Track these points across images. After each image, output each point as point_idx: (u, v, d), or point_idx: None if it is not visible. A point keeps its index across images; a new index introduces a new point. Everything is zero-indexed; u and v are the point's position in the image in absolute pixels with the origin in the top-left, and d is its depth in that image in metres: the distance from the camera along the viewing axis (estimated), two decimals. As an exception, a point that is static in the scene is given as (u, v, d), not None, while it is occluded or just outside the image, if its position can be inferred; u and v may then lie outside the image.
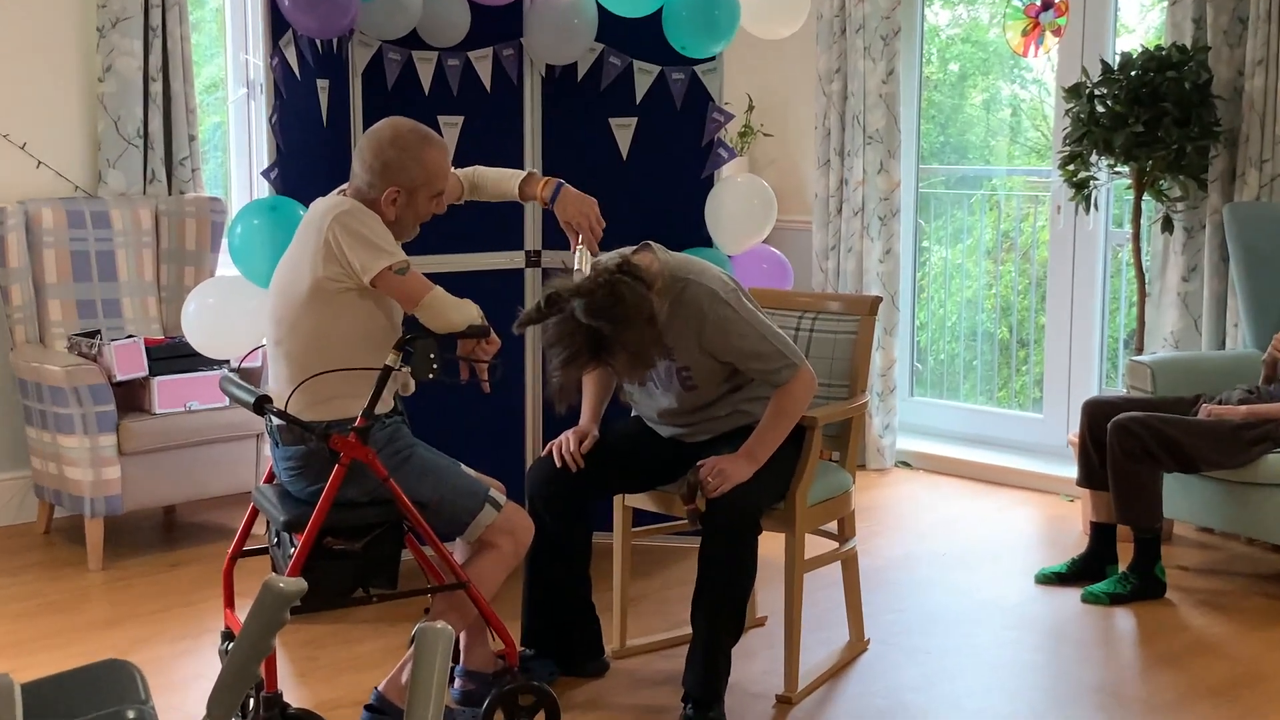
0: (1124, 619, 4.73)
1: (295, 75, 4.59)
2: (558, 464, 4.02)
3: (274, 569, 3.85)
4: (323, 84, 4.74)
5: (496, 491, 3.74)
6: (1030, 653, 4.46)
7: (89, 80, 5.80)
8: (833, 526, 4.29)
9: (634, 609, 4.55)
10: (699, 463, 3.80)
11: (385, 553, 3.62)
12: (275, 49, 4.52)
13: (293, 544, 3.55)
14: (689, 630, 3.89)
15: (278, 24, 4.52)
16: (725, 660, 3.84)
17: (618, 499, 4.28)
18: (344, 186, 3.75)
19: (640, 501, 4.22)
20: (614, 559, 4.33)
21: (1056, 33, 6.22)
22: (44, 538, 5.53)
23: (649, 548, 5.20)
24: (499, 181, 4.10)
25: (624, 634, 4.35)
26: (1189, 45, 5.55)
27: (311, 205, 3.74)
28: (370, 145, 3.66)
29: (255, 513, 3.86)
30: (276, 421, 3.59)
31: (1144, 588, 4.86)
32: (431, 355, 3.50)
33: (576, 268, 3.78)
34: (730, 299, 3.83)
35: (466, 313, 3.62)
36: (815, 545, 4.18)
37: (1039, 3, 6.24)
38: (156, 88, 5.80)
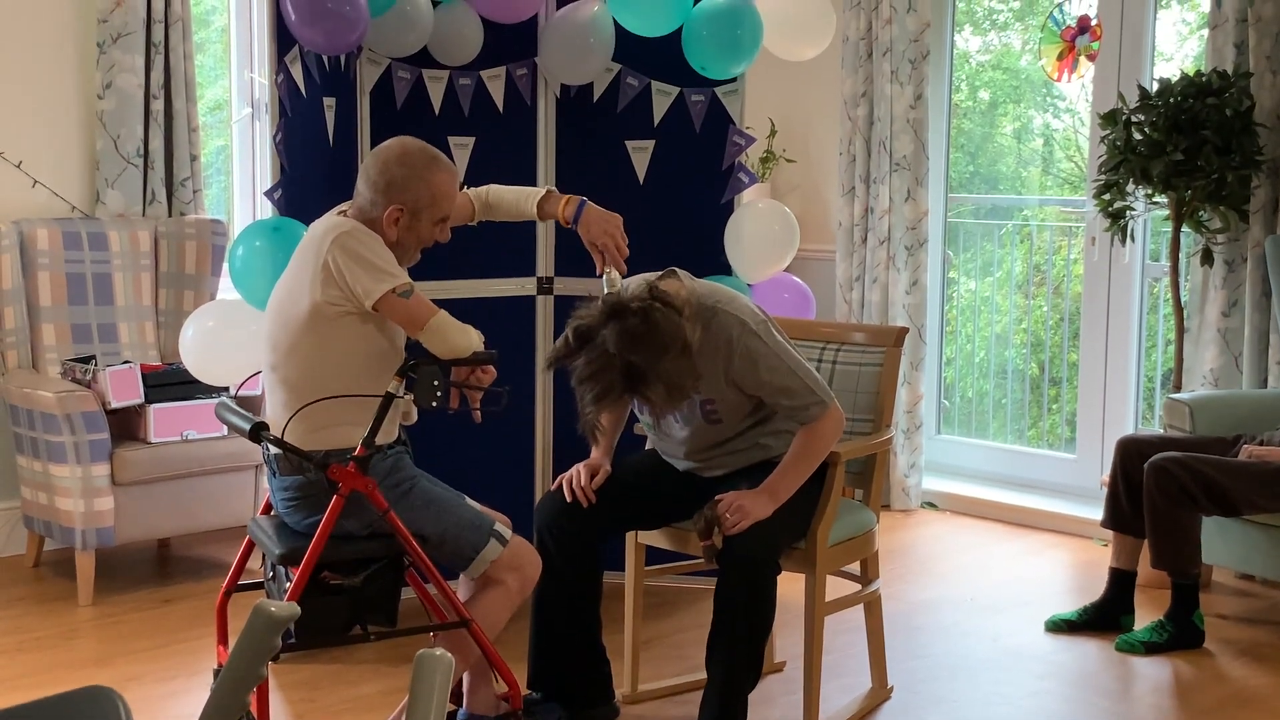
0: (1158, 669, 4.59)
1: (301, 93, 4.52)
2: (568, 498, 3.92)
3: None
4: (329, 102, 4.65)
5: (502, 525, 3.65)
6: (1060, 703, 4.33)
7: (88, 97, 5.71)
8: (855, 568, 4.19)
9: (646, 652, 4.44)
10: (717, 497, 3.70)
11: (385, 588, 3.54)
12: (281, 66, 4.44)
13: (288, 578, 3.46)
14: (703, 675, 3.79)
15: (284, 40, 4.45)
16: (742, 707, 3.74)
17: (630, 536, 4.19)
18: (344, 206, 3.67)
19: (654, 539, 4.11)
20: (626, 599, 4.23)
21: (1091, 57, 6.11)
22: (33, 571, 5.43)
23: (663, 588, 5.10)
24: (516, 201, 3.96)
25: (635, 678, 4.25)
26: (1230, 71, 5.43)
27: (311, 226, 3.65)
28: (376, 162, 3.59)
29: (251, 545, 3.78)
30: (273, 450, 3.50)
31: (1181, 637, 4.70)
32: (435, 382, 3.42)
33: (606, 293, 3.63)
34: (760, 330, 3.72)
35: (471, 338, 3.53)
36: (837, 587, 4.09)
37: (1075, 26, 6.13)
38: (158, 105, 5.72)
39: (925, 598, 5.28)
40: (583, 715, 4.03)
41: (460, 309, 4.95)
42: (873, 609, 4.22)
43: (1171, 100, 5.34)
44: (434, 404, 3.42)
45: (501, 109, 5.05)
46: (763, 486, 3.72)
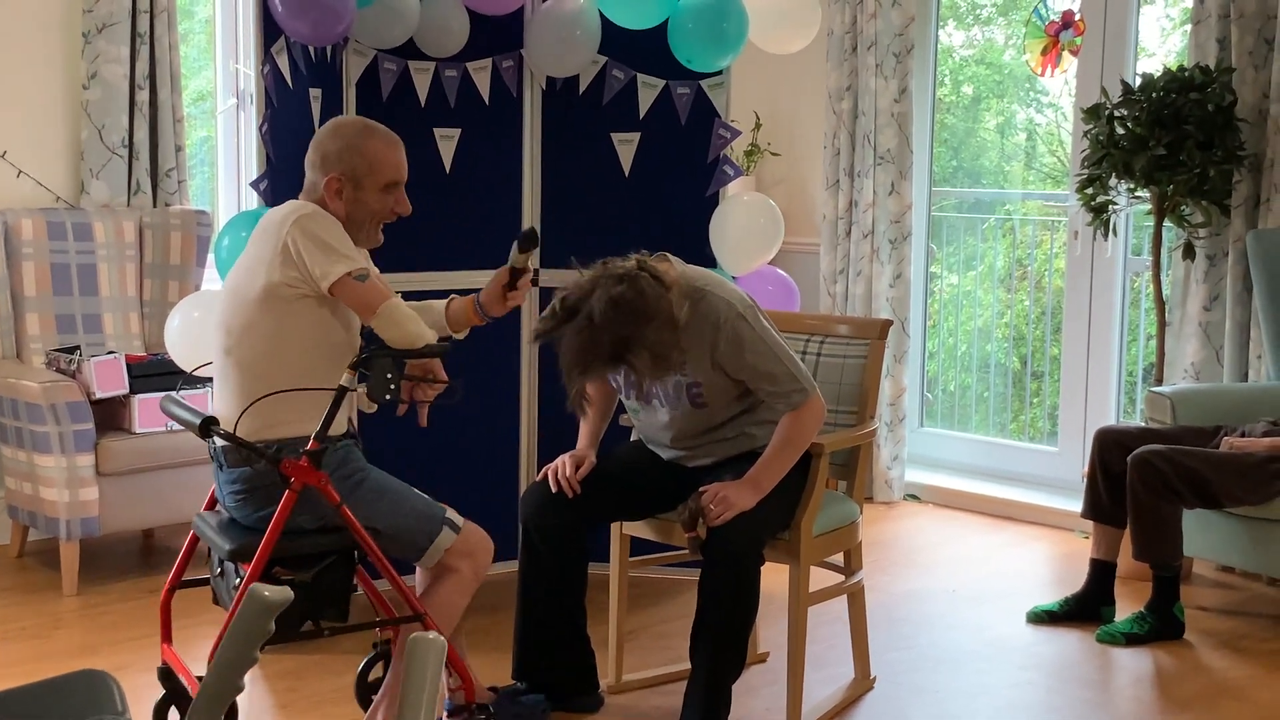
0: (1140, 660, 4.60)
1: (287, 84, 4.50)
2: (553, 489, 3.92)
3: (215, 601, 3.69)
4: (315, 93, 4.64)
5: (453, 513, 3.61)
6: (1043, 694, 4.34)
7: (73, 87, 5.69)
8: (839, 559, 4.20)
9: (631, 642, 4.44)
10: (701, 489, 3.71)
11: (337, 584, 3.49)
12: (267, 56, 4.43)
13: (238, 574, 3.41)
14: (687, 665, 3.80)
15: (270, 30, 4.44)
16: (725, 697, 3.75)
17: (615, 527, 4.19)
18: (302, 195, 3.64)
19: (639, 530, 4.11)
20: (610, 589, 4.23)
21: (1074, 52, 6.13)
22: (17, 561, 5.40)
23: (647, 579, 5.10)
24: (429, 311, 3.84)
25: (620, 668, 4.24)
26: (1213, 66, 5.44)
27: (269, 210, 3.62)
28: (312, 142, 3.60)
29: (195, 541, 3.72)
30: (220, 443, 3.43)
31: (1162, 628, 4.72)
32: (389, 375, 3.34)
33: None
34: (747, 314, 3.75)
35: (424, 327, 3.48)
36: (820, 578, 4.07)
37: (1059, 20, 6.14)
38: (143, 96, 5.70)
39: (908, 589, 5.29)
40: (568, 705, 4.04)
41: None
42: (856, 600, 4.22)
43: (1154, 95, 5.34)
44: (387, 397, 3.34)
45: (487, 101, 5.03)
46: (746, 478, 3.72)
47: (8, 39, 5.55)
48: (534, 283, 5.15)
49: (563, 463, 3.94)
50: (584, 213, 5.14)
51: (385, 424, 4.93)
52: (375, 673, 3.85)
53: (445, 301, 3.84)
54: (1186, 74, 5.37)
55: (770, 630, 4.51)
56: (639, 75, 5.06)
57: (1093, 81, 6.03)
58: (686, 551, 3.79)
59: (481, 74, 5.01)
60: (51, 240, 5.41)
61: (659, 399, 3.88)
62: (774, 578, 3.95)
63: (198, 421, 3.32)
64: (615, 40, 4.97)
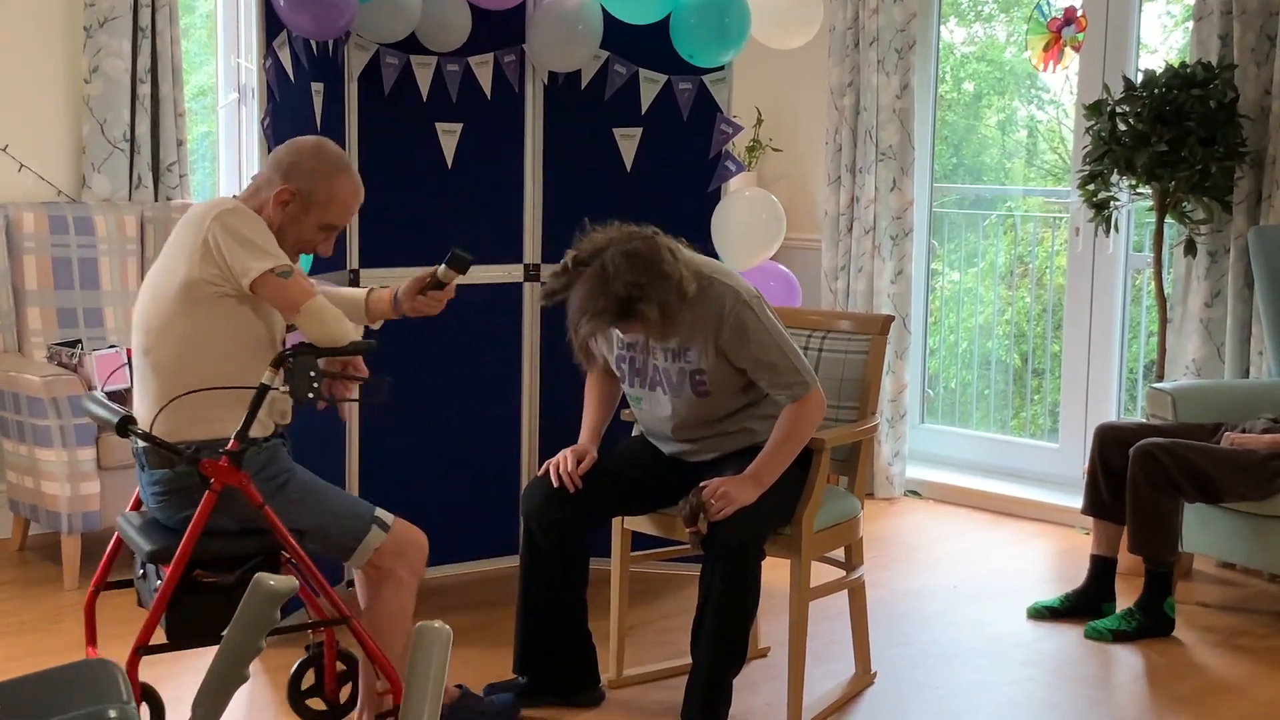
0: (1140, 657, 4.60)
1: (289, 78, 4.50)
2: (554, 484, 3.91)
3: (140, 603, 3.61)
4: (317, 87, 4.63)
5: (383, 512, 3.53)
6: (1043, 690, 4.35)
7: (74, 81, 5.68)
8: (840, 554, 4.20)
9: (631, 637, 4.43)
10: (702, 484, 3.71)
11: None
12: (269, 50, 4.42)
13: (159, 576, 3.34)
14: (688, 660, 3.81)
15: (272, 24, 4.42)
16: (726, 692, 3.76)
17: (616, 522, 4.18)
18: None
19: (640, 524, 4.11)
20: (611, 584, 4.23)
21: (1076, 48, 6.12)
22: (18, 555, 5.40)
23: (648, 574, 5.09)
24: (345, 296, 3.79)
25: (621, 663, 4.24)
26: (1215, 63, 5.43)
27: (191, 207, 3.54)
28: (290, 147, 3.52)
29: (120, 543, 3.62)
30: (141, 444, 3.38)
31: (1151, 625, 4.72)
32: (312, 373, 3.27)
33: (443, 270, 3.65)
34: (753, 304, 3.77)
35: (347, 325, 3.41)
36: (821, 574, 4.08)
37: (1060, 17, 6.14)
38: (145, 90, 5.69)
39: (908, 585, 5.28)
40: (569, 700, 4.04)
41: (446, 295, 4.97)
42: (856, 595, 4.22)
43: (1156, 91, 5.34)
44: (310, 395, 3.27)
45: (489, 96, 5.03)
46: (747, 473, 3.73)
47: (9, 33, 5.55)
48: (536, 277, 5.16)
49: (564, 457, 3.93)
50: (586, 208, 5.10)
51: (384, 425, 4.95)
52: (309, 680, 3.79)
53: (365, 291, 3.76)
54: (1188, 70, 5.37)
55: (771, 625, 4.50)
56: (641, 70, 5.06)
57: (1094, 78, 6.02)
58: (688, 547, 3.79)
59: (483, 69, 5.01)
60: (53, 234, 5.41)
61: (662, 387, 3.88)
62: (775, 573, 3.94)
63: (115, 420, 3.25)
64: (617, 35, 4.97)
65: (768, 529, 3.77)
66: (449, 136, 4.99)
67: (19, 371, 5.05)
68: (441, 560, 5.14)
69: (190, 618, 3.32)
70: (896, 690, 4.26)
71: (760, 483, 3.72)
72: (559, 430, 4.98)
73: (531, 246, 5.16)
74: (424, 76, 4.92)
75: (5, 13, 5.53)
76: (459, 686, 3.79)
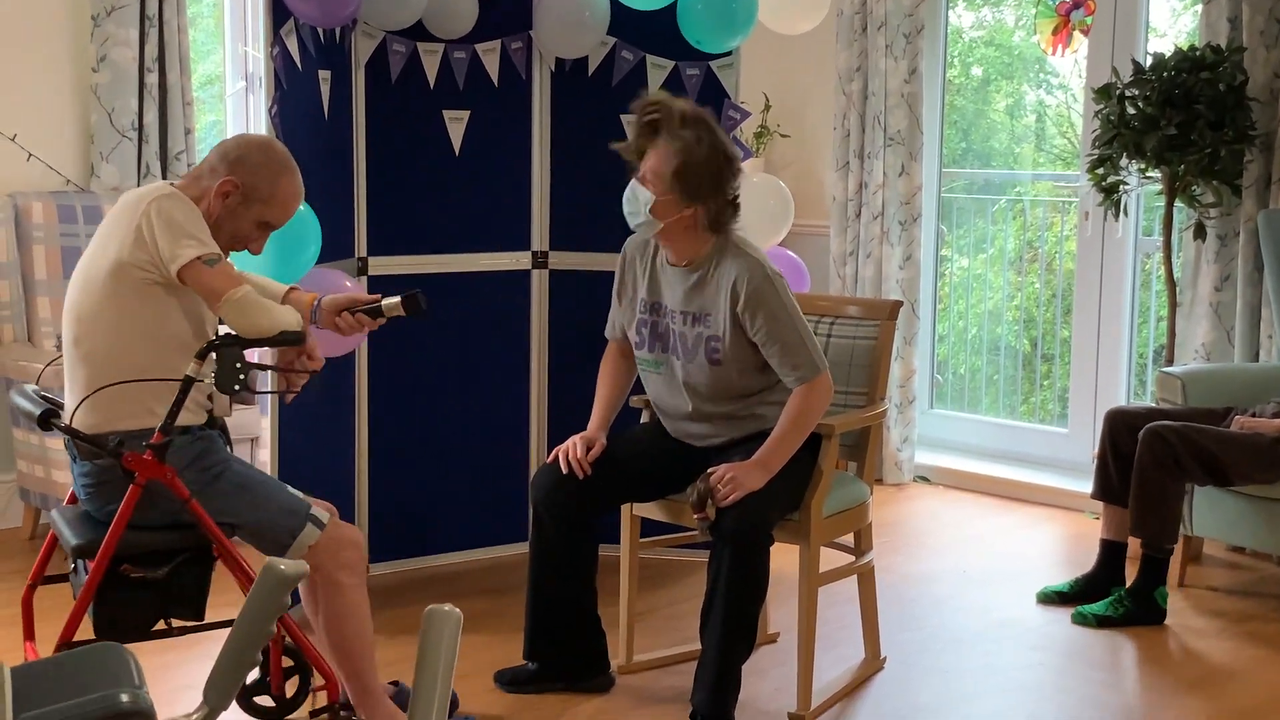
0: (1149, 641, 4.60)
1: (297, 66, 4.49)
2: (564, 470, 3.91)
3: (75, 598, 3.52)
4: (324, 75, 4.63)
5: (320, 510, 3.44)
6: (1053, 675, 4.35)
7: (82, 70, 5.68)
8: (849, 540, 4.20)
9: (641, 623, 4.43)
10: (710, 470, 3.71)
11: (192, 581, 3.36)
12: (276, 38, 4.41)
13: (87, 571, 3.27)
14: (697, 646, 3.81)
15: (279, 12, 4.41)
16: (735, 677, 3.76)
17: (625, 508, 4.18)
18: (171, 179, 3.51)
19: (649, 511, 4.11)
20: (621, 571, 4.23)
21: (1085, 32, 6.12)
22: (29, 543, 5.39)
23: (657, 560, 5.09)
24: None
25: (630, 649, 4.24)
26: (1224, 46, 5.41)
27: (126, 193, 3.48)
28: (237, 140, 3.48)
29: (55, 537, 3.54)
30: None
31: (1139, 613, 4.69)
32: (238, 364, 3.21)
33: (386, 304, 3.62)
34: (775, 280, 3.82)
35: (278, 318, 3.32)
36: (830, 559, 4.08)
37: (1070, 1, 6.12)
38: (152, 79, 5.68)
39: (918, 570, 5.28)
40: (579, 685, 4.05)
41: (453, 283, 4.99)
42: (866, 581, 4.22)
43: (1165, 75, 5.33)
44: (236, 388, 3.21)
45: (496, 82, 5.02)
46: (754, 458, 3.73)
47: (17, 22, 5.55)
48: (544, 265, 5.16)
49: (573, 444, 3.94)
50: (594, 194, 5.13)
51: (393, 413, 4.96)
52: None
53: (285, 288, 3.66)
54: (1197, 53, 5.35)
55: (780, 611, 4.51)
56: (648, 56, 5.05)
57: (1103, 61, 6.01)
58: (696, 533, 3.78)
59: (490, 55, 5.00)
60: (62, 223, 5.41)
61: (677, 352, 3.91)
62: (784, 558, 3.95)
63: (37, 413, 3.22)
64: (624, 21, 4.97)
65: (776, 515, 3.77)
66: (456, 124, 4.98)
67: (29, 361, 5.06)
68: (450, 547, 5.16)
69: (117, 613, 3.28)
70: (906, 675, 4.26)
71: (768, 468, 3.72)
72: (567, 417, 4.99)
73: (539, 233, 5.16)
74: (431, 64, 4.92)
75: (13, 2, 5.52)
76: (393, 683, 3.73)
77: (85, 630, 3.29)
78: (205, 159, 3.48)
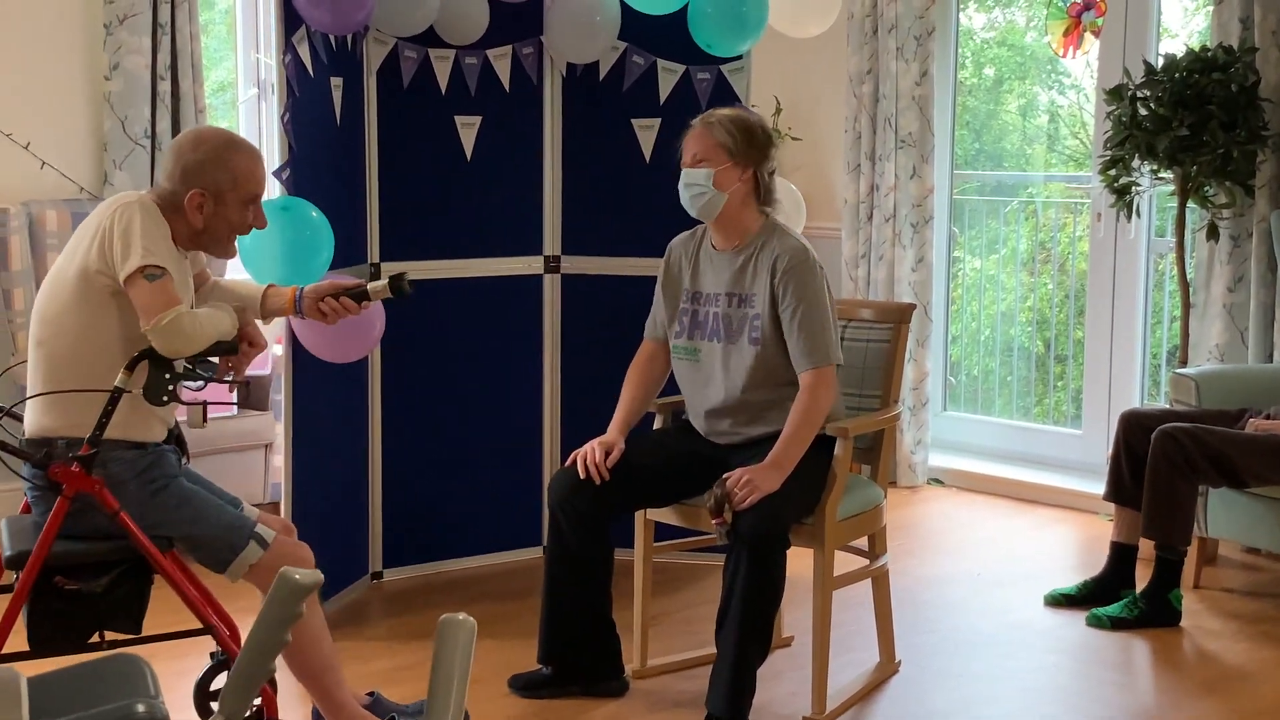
0: (1164, 643, 4.58)
1: (309, 73, 4.49)
2: (581, 475, 3.91)
3: None
4: (336, 82, 4.63)
5: (265, 528, 3.41)
6: (1067, 678, 4.34)
7: (95, 78, 5.69)
8: (863, 543, 4.20)
9: (655, 627, 4.43)
10: (725, 475, 3.72)
11: (130, 594, 3.33)
12: (288, 45, 4.41)
13: None
14: (712, 650, 3.81)
15: (291, 20, 4.41)
16: (750, 680, 3.76)
17: (639, 513, 4.18)
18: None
19: (664, 515, 4.11)
20: (635, 575, 4.23)
21: (1096, 33, 6.10)
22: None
23: (671, 565, 5.09)
24: (244, 294, 3.69)
25: (645, 653, 4.24)
26: (1236, 46, 5.40)
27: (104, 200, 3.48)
28: (171, 151, 3.43)
29: None
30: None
31: (1153, 614, 4.68)
32: (167, 375, 3.21)
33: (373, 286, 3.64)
34: (816, 268, 3.93)
35: (204, 339, 3.28)
36: (844, 562, 4.08)
37: (1081, 2, 6.12)
38: (165, 87, 5.68)
39: (932, 573, 5.28)
40: (593, 689, 4.05)
41: (465, 288, 5.01)
42: (880, 583, 4.22)
43: (1177, 75, 5.31)
44: (165, 399, 3.22)
45: (508, 88, 5.02)
46: (768, 460, 3.75)
47: (30, 31, 5.56)
48: (556, 269, 5.16)
49: (592, 449, 3.94)
50: (605, 199, 5.14)
51: (406, 418, 4.96)
52: (218, 683, 3.72)
53: (262, 286, 3.67)
54: (1209, 54, 5.34)
55: (795, 614, 4.50)
56: (659, 61, 5.05)
57: (1115, 62, 6.00)
58: (711, 537, 3.79)
59: (502, 61, 5.01)
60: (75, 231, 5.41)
61: (717, 335, 3.97)
62: (798, 562, 3.94)
63: None
64: (635, 26, 4.97)
65: (791, 519, 3.78)
66: (468, 129, 4.99)
67: (23, 366, 5.05)
68: (464, 552, 5.17)
69: (50, 625, 3.26)
70: (921, 678, 4.26)
71: (782, 468, 3.74)
72: (580, 422, 5.00)
73: (551, 238, 5.16)
74: (442, 69, 4.93)
75: (26, 11, 5.53)
76: (370, 694, 3.72)
77: (18, 642, 3.27)
78: (161, 173, 3.45)
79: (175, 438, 3.49)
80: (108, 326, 3.30)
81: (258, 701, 3.49)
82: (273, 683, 3.57)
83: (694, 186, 3.97)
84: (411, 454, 5.00)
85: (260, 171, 3.48)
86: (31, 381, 3.38)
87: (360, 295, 3.60)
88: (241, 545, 3.36)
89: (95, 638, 3.33)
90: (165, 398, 3.23)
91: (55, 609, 3.26)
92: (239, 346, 3.42)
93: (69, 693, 2.28)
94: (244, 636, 3.41)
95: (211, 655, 3.70)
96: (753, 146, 3.96)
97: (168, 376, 3.22)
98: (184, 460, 3.51)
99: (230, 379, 3.48)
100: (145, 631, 3.41)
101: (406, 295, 3.60)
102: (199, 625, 3.46)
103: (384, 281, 3.59)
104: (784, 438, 3.79)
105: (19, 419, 3.39)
